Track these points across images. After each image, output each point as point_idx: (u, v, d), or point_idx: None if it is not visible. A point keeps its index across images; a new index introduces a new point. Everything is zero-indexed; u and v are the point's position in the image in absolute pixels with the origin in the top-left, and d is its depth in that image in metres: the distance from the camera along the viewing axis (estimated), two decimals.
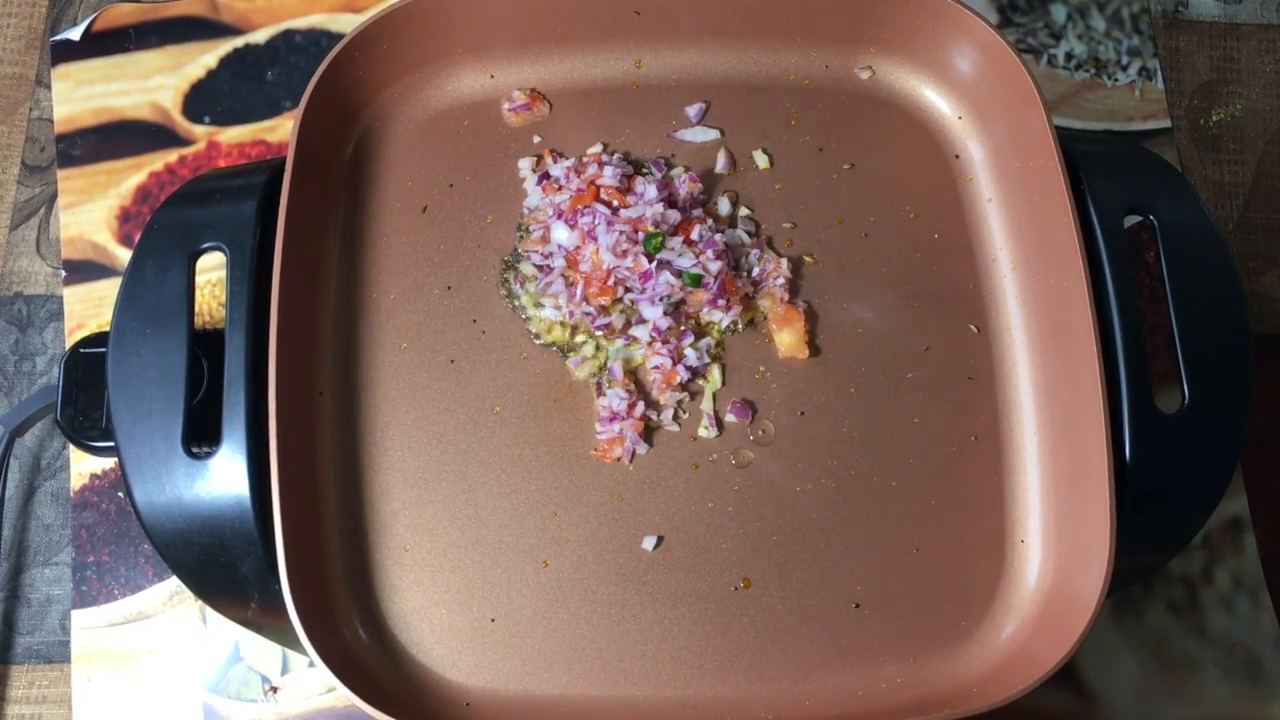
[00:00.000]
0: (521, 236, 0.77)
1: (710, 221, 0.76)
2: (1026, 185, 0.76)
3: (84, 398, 0.74)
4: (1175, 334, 0.71)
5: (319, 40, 0.96)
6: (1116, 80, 1.00)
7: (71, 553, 0.85)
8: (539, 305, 0.75)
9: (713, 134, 0.80)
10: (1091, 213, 0.72)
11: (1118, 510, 0.67)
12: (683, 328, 0.74)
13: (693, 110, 0.80)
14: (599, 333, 0.74)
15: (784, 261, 0.76)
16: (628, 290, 0.74)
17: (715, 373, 0.75)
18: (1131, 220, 0.73)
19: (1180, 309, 0.71)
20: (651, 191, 0.75)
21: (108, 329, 0.70)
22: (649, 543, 0.72)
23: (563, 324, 0.75)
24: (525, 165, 0.79)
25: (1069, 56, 1.01)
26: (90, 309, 0.89)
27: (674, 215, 0.74)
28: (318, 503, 0.71)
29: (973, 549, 0.73)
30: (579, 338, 0.75)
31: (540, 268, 0.75)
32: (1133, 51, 1.01)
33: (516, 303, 0.76)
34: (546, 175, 0.77)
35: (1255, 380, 0.71)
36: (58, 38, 0.96)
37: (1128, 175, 0.75)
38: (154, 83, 0.95)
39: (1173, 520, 0.70)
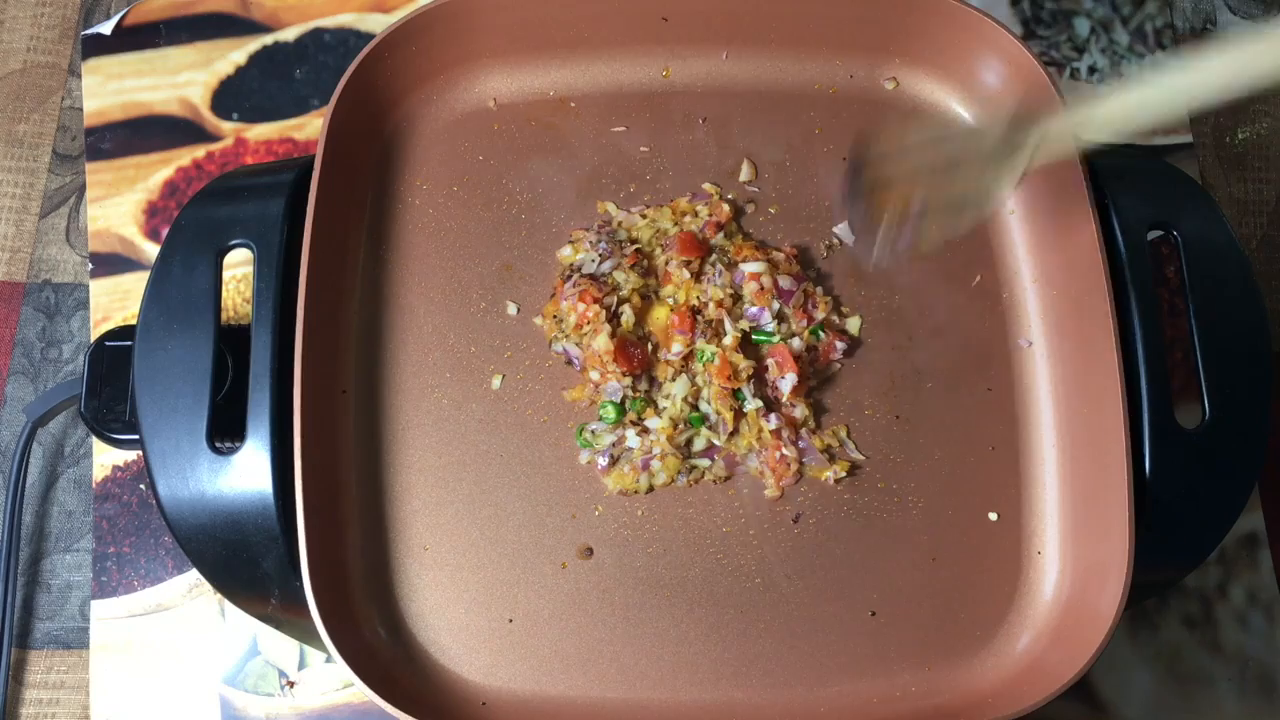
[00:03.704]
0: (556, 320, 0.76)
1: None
2: (1050, 198, 0.76)
3: (108, 390, 0.75)
4: (1196, 350, 0.71)
5: (347, 39, 0.97)
6: None
7: (92, 542, 0.85)
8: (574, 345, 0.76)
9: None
10: (1115, 227, 0.72)
11: (1136, 524, 0.67)
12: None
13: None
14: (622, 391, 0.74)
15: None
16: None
17: None
18: (1153, 235, 0.74)
19: (1201, 325, 0.71)
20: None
21: (133, 322, 0.71)
22: (666, 547, 0.72)
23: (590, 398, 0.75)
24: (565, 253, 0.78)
25: (1092, 70, 1.01)
26: (116, 302, 0.90)
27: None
28: (339, 500, 0.72)
29: (990, 560, 0.73)
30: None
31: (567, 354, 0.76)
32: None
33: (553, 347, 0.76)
34: (574, 272, 0.76)
35: (1275, 398, 0.71)
36: (89, 32, 0.96)
37: (1152, 190, 0.75)
38: (183, 78, 0.95)
39: (1190, 535, 0.70)
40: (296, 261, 0.70)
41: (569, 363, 0.75)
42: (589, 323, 0.73)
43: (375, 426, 0.74)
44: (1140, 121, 0.64)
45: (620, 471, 0.73)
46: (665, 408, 0.73)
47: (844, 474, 0.73)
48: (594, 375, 0.74)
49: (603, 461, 0.73)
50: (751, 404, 0.73)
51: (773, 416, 0.73)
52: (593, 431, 0.73)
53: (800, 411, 0.74)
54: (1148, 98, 0.63)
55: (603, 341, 0.73)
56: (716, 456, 0.73)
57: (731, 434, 0.73)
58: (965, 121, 0.74)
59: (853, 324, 0.76)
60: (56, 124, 0.95)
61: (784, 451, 0.73)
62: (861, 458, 0.74)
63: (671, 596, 0.71)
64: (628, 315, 0.74)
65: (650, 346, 0.74)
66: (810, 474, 0.74)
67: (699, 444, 0.73)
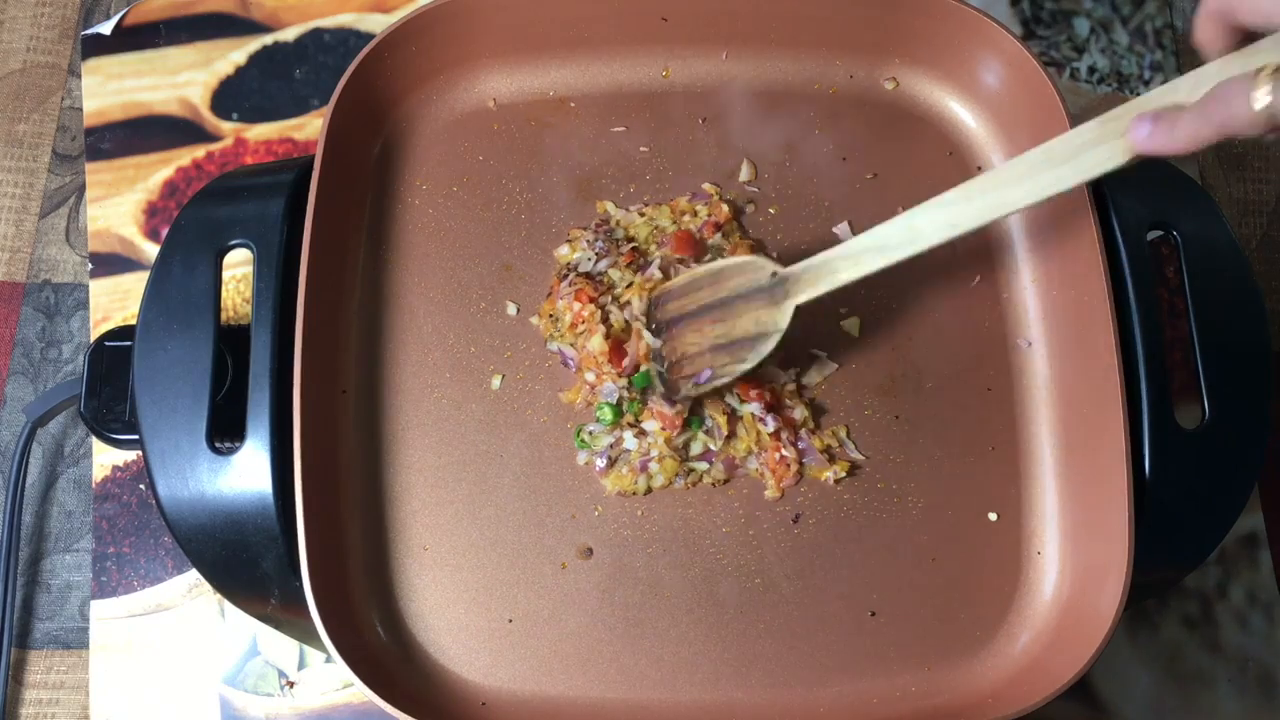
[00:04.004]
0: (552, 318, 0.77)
1: None
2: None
3: (108, 390, 0.75)
4: (1196, 350, 0.71)
5: (347, 39, 0.97)
6: (1139, 94, 1.00)
7: (92, 542, 0.85)
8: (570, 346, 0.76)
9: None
10: (1115, 227, 0.72)
11: (1135, 524, 0.67)
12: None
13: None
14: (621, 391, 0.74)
15: None
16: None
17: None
18: (1152, 235, 0.74)
19: (1201, 325, 0.71)
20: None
21: (133, 322, 0.71)
22: (666, 547, 0.72)
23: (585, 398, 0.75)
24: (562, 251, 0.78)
25: (1091, 70, 1.01)
26: (116, 302, 0.90)
27: None
28: (339, 500, 0.72)
29: (989, 560, 0.73)
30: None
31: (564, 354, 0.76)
32: (1155, 66, 1.01)
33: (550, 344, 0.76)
34: (571, 271, 0.76)
35: (1275, 398, 0.71)
36: (89, 32, 0.96)
37: (1152, 190, 0.75)
38: (183, 78, 0.95)
39: (1190, 536, 0.70)
40: (296, 261, 0.70)
41: (564, 363, 0.75)
42: (584, 322, 0.73)
43: (375, 426, 0.74)
44: (888, 259, 0.67)
45: (618, 473, 0.73)
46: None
47: (844, 474, 0.73)
48: (589, 376, 0.74)
49: (600, 463, 0.73)
50: (745, 408, 0.73)
51: (770, 418, 0.73)
52: (590, 433, 0.73)
53: (799, 412, 0.74)
54: (887, 236, 0.67)
55: (597, 342, 0.73)
56: (715, 460, 0.73)
57: (728, 438, 0.73)
58: (741, 265, 0.72)
59: (852, 325, 0.76)
60: (56, 124, 0.95)
61: (783, 453, 0.73)
62: (861, 458, 0.74)
63: (671, 596, 0.71)
64: (617, 315, 0.74)
65: None
66: (810, 474, 0.73)
67: (696, 448, 0.73)
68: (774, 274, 0.70)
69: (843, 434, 0.74)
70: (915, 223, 0.66)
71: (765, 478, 0.73)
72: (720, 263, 0.72)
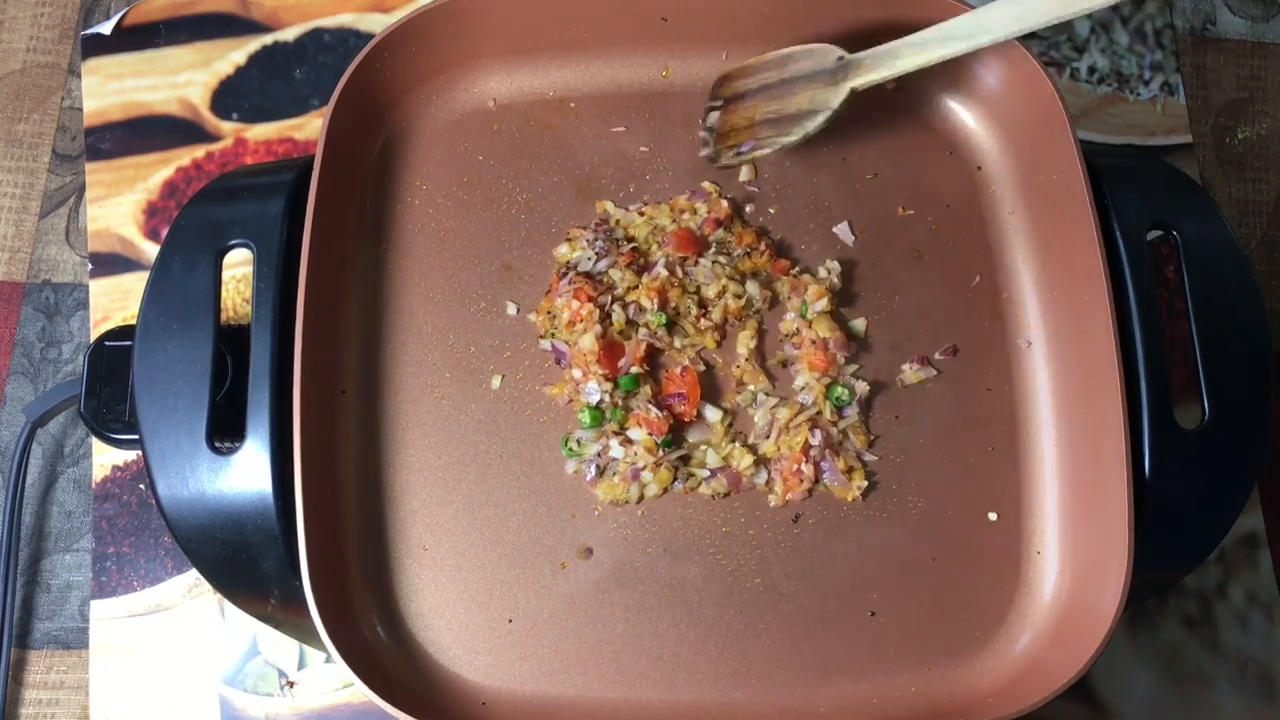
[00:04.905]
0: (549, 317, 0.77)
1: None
2: (1049, 198, 0.76)
3: (108, 390, 0.75)
4: (1196, 350, 0.71)
5: (347, 39, 0.97)
6: (1139, 95, 1.00)
7: (92, 542, 0.85)
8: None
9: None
10: (1115, 227, 0.72)
11: (1135, 524, 0.67)
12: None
13: None
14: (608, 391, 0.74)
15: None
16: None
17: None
18: (1152, 235, 0.74)
19: (1201, 325, 0.71)
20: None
21: (133, 322, 0.71)
22: (665, 547, 0.72)
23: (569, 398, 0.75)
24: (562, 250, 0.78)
25: (1091, 70, 1.01)
26: (115, 302, 0.90)
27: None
28: (339, 500, 0.72)
29: (989, 560, 0.73)
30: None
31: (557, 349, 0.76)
32: (1155, 66, 1.01)
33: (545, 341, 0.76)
34: (570, 270, 0.76)
35: (1275, 398, 0.71)
36: (89, 32, 0.96)
37: (1152, 190, 0.75)
38: (183, 78, 0.95)
39: (1190, 535, 0.70)
40: (296, 261, 0.70)
41: (557, 360, 0.75)
42: (581, 320, 0.73)
43: (375, 426, 0.74)
44: (951, 50, 0.71)
45: (609, 482, 0.72)
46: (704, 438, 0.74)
47: (864, 483, 0.73)
48: (576, 373, 0.73)
49: (590, 472, 0.73)
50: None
51: (818, 431, 0.73)
52: (578, 440, 0.73)
53: (858, 440, 0.74)
54: (954, 28, 0.71)
55: (589, 340, 0.73)
56: (718, 474, 0.73)
57: (731, 449, 0.73)
58: (809, 50, 0.77)
59: (859, 325, 0.76)
60: (56, 124, 0.95)
61: (802, 468, 0.72)
62: (874, 458, 0.74)
63: (671, 596, 0.71)
64: (619, 315, 0.74)
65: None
66: (836, 494, 0.73)
67: (712, 459, 0.73)
68: (840, 58, 0.74)
69: (858, 441, 0.74)
70: (984, 18, 0.69)
71: (774, 486, 0.73)
72: (791, 48, 0.76)
